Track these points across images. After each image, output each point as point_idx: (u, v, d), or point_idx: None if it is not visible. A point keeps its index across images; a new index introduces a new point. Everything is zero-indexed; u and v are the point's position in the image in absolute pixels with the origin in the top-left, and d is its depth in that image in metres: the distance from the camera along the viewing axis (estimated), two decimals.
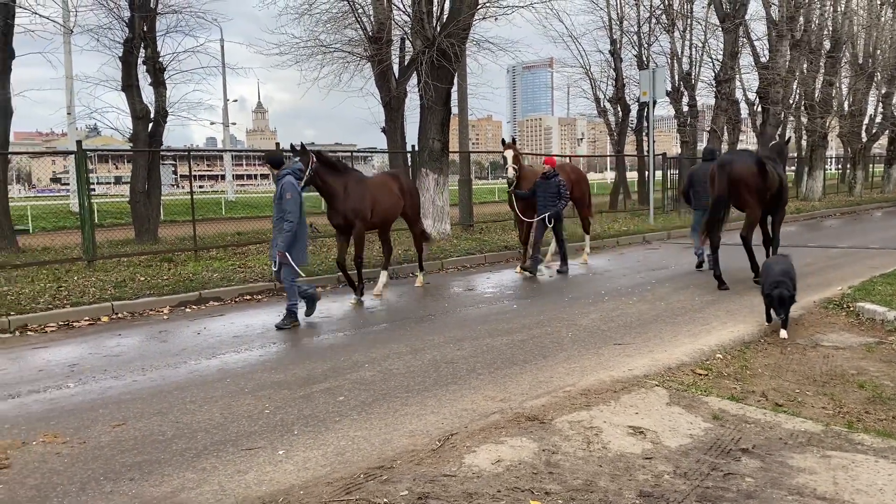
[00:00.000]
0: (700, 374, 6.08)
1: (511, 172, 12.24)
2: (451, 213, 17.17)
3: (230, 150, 43.28)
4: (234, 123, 49.14)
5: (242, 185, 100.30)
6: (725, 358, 6.60)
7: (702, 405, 5.23)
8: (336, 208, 9.69)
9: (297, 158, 9.20)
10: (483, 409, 5.19)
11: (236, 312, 9.53)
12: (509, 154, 12.28)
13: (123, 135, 18.99)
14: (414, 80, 22.37)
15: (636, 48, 28.67)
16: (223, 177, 65.52)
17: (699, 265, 12.10)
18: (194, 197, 16.46)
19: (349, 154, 26.33)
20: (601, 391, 5.52)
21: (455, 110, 18.54)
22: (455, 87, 17.36)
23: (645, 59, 28.30)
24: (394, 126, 23.20)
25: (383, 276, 10.90)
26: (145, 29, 17.30)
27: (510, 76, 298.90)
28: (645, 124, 27.58)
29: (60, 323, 8.87)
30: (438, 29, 15.73)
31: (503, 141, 12.70)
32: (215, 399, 5.66)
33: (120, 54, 17.37)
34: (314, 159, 9.28)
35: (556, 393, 5.52)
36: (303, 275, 8.87)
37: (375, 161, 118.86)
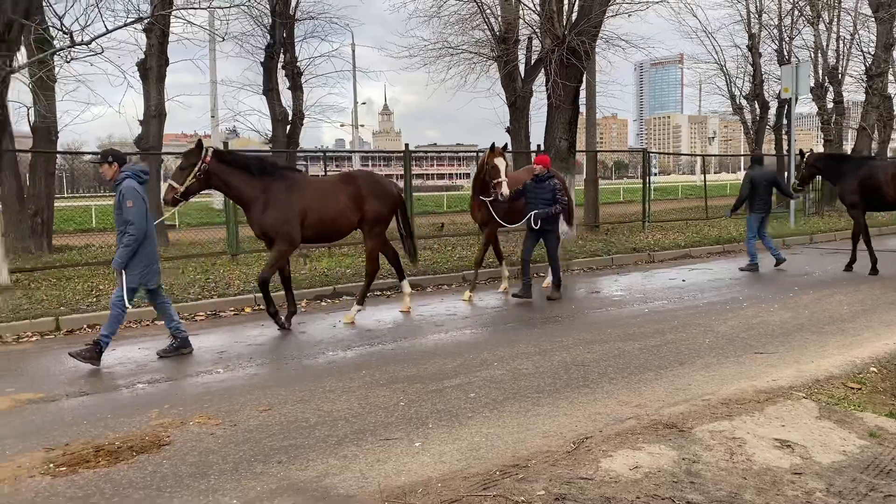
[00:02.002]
0: (852, 388, 5.69)
1: (506, 189, 9.45)
2: (576, 213, 16.90)
3: (360, 151, 44.73)
4: (362, 125, 50.69)
5: None
6: (881, 372, 6.14)
7: (856, 421, 4.90)
8: (252, 219, 8.20)
9: (128, 162, 7.24)
10: (617, 414, 5.09)
11: (368, 308, 9.81)
12: (501, 164, 9.55)
13: (263, 136, 20.09)
14: (540, 79, 22.25)
15: (776, 42, 27.15)
16: None
17: (752, 267, 12.25)
18: None
19: (474, 154, 26.54)
20: (743, 401, 5.28)
21: (582, 109, 18.26)
22: (583, 86, 17.08)
23: (786, 53, 26.75)
24: (518, 126, 23.18)
25: (354, 309, 8.94)
26: (285, 35, 18.20)
27: (637, 73, 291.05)
28: (784, 122, 26.08)
29: (208, 312, 9.49)
30: (568, 27, 15.54)
31: (492, 146, 9.69)
32: (352, 390, 5.87)
33: (262, 60, 18.37)
34: (208, 156, 7.80)
35: (694, 401, 5.33)
36: (130, 305, 7.06)
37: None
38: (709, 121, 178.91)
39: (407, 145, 16.03)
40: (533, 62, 22.35)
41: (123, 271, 6.91)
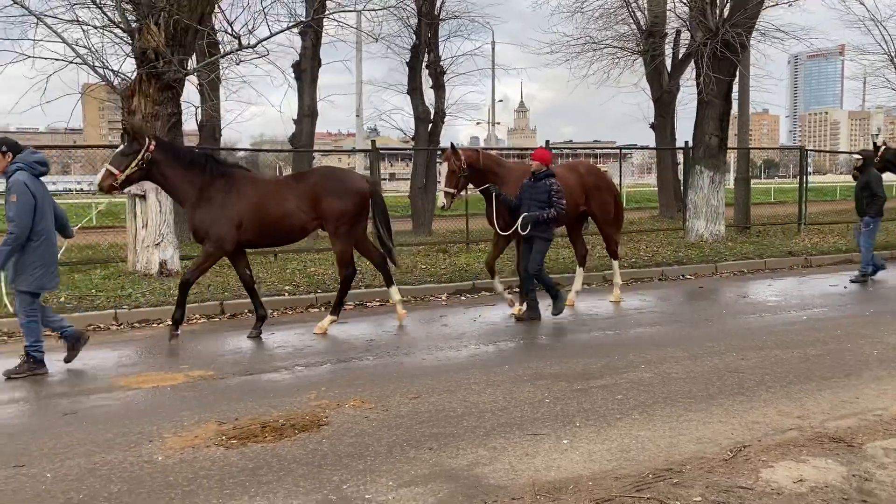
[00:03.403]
0: None
1: (441, 200, 8.76)
2: (725, 213, 16.14)
3: (497, 149, 45.04)
4: (498, 123, 50.92)
5: None
6: None
7: None
8: (189, 217, 7.86)
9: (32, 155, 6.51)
10: (777, 425, 4.84)
11: (503, 306, 9.87)
12: (443, 169, 8.88)
13: (406, 135, 20.65)
14: (688, 73, 21.47)
15: None
16: None
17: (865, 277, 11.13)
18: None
19: (616, 151, 25.93)
20: None
21: (733, 104, 17.39)
22: (735, 79, 16.27)
23: None
24: (664, 122, 22.49)
25: (326, 320, 8.18)
26: (429, 35, 18.58)
27: (791, 66, 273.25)
28: None
29: (356, 303, 9.89)
30: (721, 19, 14.86)
31: (452, 145, 8.73)
32: (497, 384, 5.94)
33: (407, 59, 18.88)
34: (152, 145, 7.43)
35: (864, 415, 4.97)
36: (10, 307, 6.47)
37: (635, 158, 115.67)
38: (873, 117, 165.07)
39: (547, 142, 15.96)
40: (681, 56, 21.60)
41: (2, 273, 6.43)
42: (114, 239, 15.62)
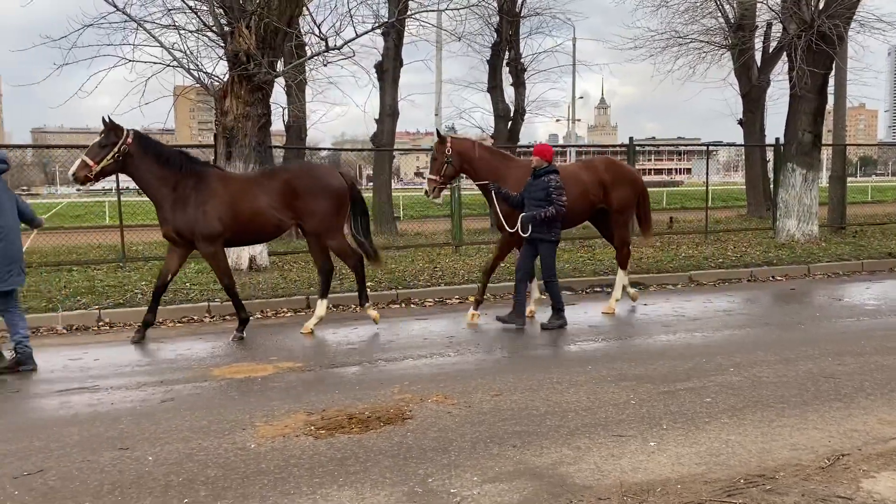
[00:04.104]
0: None
1: (426, 185, 8.57)
2: (818, 212, 15.46)
3: (576, 146, 44.48)
4: (578, 120, 50.25)
5: None
6: None
7: None
8: (163, 216, 7.63)
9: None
10: (879, 434, 4.62)
11: (588, 303, 9.77)
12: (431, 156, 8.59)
13: (485, 132, 20.68)
14: (778, 67, 20.67)
15: None
16: None
17: None
18: None
19: (701, 148, 25.25)
20: None
21: (829, 99, 16.63)
22: (831, 73, 15.55)
23: None
24: (752, 118, 21.74)
25: (320, 307, 8.22)
26: (510, 32, 18.55)
27: (891, 58, 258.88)
28: None
29: (437, 299, 9.98)
30: (817, 10, 14.22)
31: (437, 132, 8.85)
32: (580, 384, 5.88)
33: (487, 58, 18.90)
34: (129, 138, 7.35)
35: None
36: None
37: (721, 155, 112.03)
38: None
39: (631, 139, 15.66)
40: (772, 49, 20.84)
41: None
42: None
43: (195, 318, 8.89)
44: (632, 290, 9.49)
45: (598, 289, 10.73)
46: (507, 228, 8.17)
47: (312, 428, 4.88)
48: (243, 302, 8.09)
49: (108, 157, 7.27)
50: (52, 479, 4.12)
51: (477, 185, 8.72)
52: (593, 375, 6.13)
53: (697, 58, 20.98)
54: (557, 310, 8.15)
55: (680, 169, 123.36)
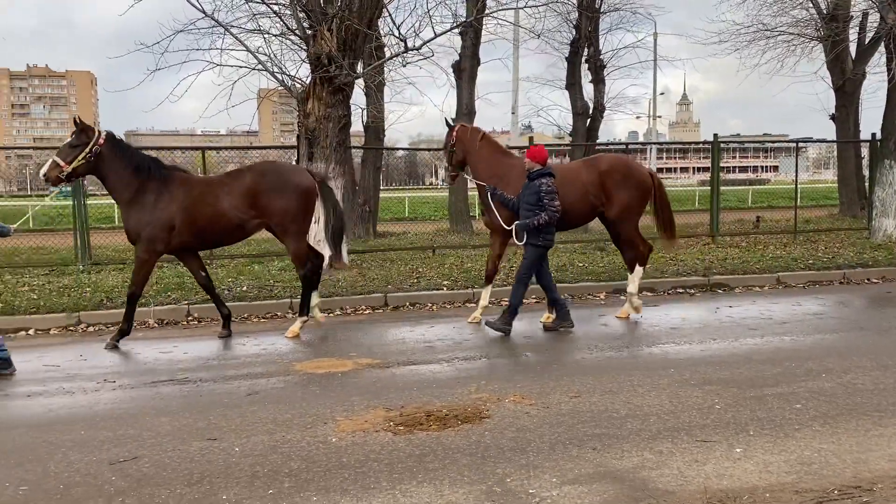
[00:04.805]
0: None
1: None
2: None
3: (660, 143, 43.48)
4: (659, 116, 49.13)
5: (662, 178, 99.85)
6: None
7: None
8: (123, 218, 7.73)
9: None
10: None
11: (670, 304, 9.55)
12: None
13: (563, 130, 20.48)
14: (875, 59, 19.64)
15: None
16: None
17: None
18: None
19: (790, 145, 24.31)
20: None
21: None
22: None
23: None
24: (846, 112, 20.76)
25: (297, 324, 8.07)
26: (590, 29, 18.30)
27: None
28: None
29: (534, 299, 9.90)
30: None
31: (447, 121, 8.79)
32: (662, 387, 5.74)
33: (566, 55, 18.70)
34: (101, 138, 7.33)
35: None
36: None
37: (811, 152, 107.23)
38: None
39: (716, 135, 15.19)
40: (868, 40, 19.84)
41: None
42: None
43: (278, 314, 9.14)
44: (637, 301, 8.60)
45: (681, 290, 10.46)
46: (491, 228, 8.19)
47: (391, 424, 4.94)
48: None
49: (80, 158, 7.26)
50: (146, 466, 4.31)
51: (476, 183, 8.51)
52: (675, 378, 5.98)
53: (786, 51, 20.15)
54: (510, 313, 7.72)
55: (766, 167, 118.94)
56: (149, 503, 3.80)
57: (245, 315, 9.01)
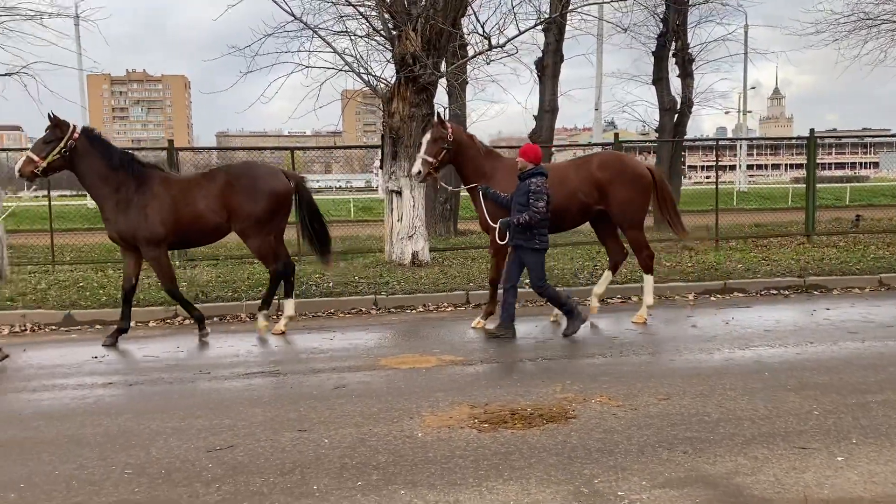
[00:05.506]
0: None
1: (417, 167, 7.94)
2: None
3: (751, 139, 41.92)
4: (749, 111, 47.35)
5: (752, 175, 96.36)
6: None
7: None
8: (106, 217, 7.53)
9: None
10: None
11: (763, 306, 9.19)
12: (424, 139, 8.07)
13: (649, 126, 20.03)
14: None
15: None
16: (732, 167, 64.08)
17: None
18: (702, 188, 16.42)
19: (892, 140, 22.99)
20: None
21: None
22: None
23: None
24: None
25: (289, 307, 8.19)
26: (678, 22, 17.82)
27: None
28: None
29: (618, 298, 9.76)
30: None
31: (438, 115, 8.36)
32: (755, 391, 5.54)
33: (653, 49, 18.27)
34: (76, 133, 7.26)
35: None
36: None
37: None
38: None
39: (812, 130, 14.53)
40: None
41: None
42: (371, 231, 17.08)
43: (363, 309, 9.31)
44: (649, 302, 8.40)
45: (774, 291, 10.06)
46: (487, 230, 7.94)
47: (476, 421, 4.95)
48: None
49: (54, 153, 7.21)
50: (241, 454, 4.47)
51: (465, 187, 8.28)
52: (770, 383, 5.75)
53: (890, 40, 19.00)
54: (568, 311, 7.50)
55: (866, 163, 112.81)
56: (244, 490, 3.94)
57: (331, 311, 9.22)
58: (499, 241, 7.51)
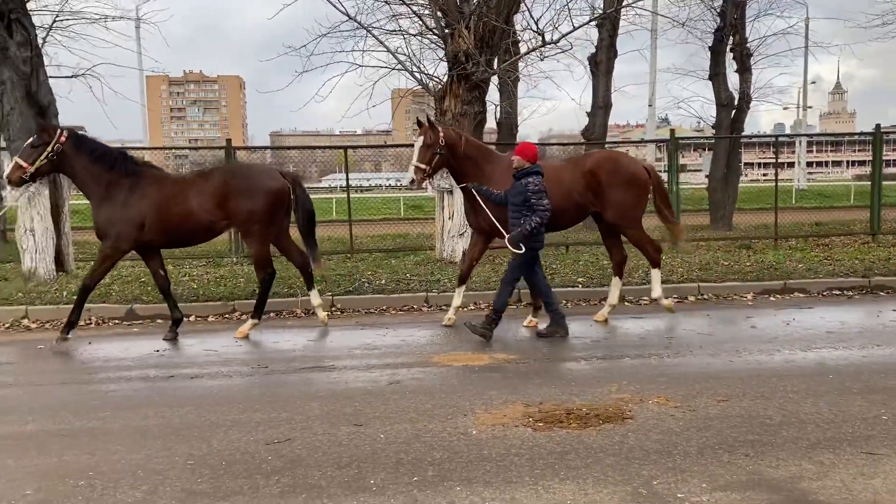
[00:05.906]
0: None
1: (410, 174, 7.91)
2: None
3: (811, 135, 40.70)
4: (809, 107, 45.92)
5: (811, 172, 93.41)
6: None
7: None
8: (93, 214, 7.60)
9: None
10: None
11: (826, 306, 8.93)
12: (416, 143, 7.90)
13: (705, 122, 19.61)
14: None
15: None
16: (790, 164, 62.26)
17: None
18: (759, 185, 16.00)
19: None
20: None
21: None
22: None
23: None
24: None
25: (247, 324, 8.00)
26: (736, 16, 17.40)
27: None
28: None
29: (651, 297, 9.60)
30: None
31: (428, 118, 8.01)
32: (819, 394, 5.38)
33: (709, 44, 17.87)
34: (63, 136, 7.33)
35: None
36: None
37: None
38: None
39: (878, 126, 14.01)
40: None
41: None
42: (421, 229, 17.17)
43: (414, 306, 9.36)
44: (666, 301, 8.49)
45: (837, 292, 9.76)
46: (482, 231, 7.92)
47: (530, 420, 4.92)
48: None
49: (42, 158, 7.30)
50: (298, 447, 4.54)
51: (458, 186, 8.22)
52: (835, 386, 5.58)
53: None
54: (493, 319, 7.42)
55: None
56: (302, 483, 4.00)
57: (384, 307, 9.29)
58: (516, 251, 7.31)
